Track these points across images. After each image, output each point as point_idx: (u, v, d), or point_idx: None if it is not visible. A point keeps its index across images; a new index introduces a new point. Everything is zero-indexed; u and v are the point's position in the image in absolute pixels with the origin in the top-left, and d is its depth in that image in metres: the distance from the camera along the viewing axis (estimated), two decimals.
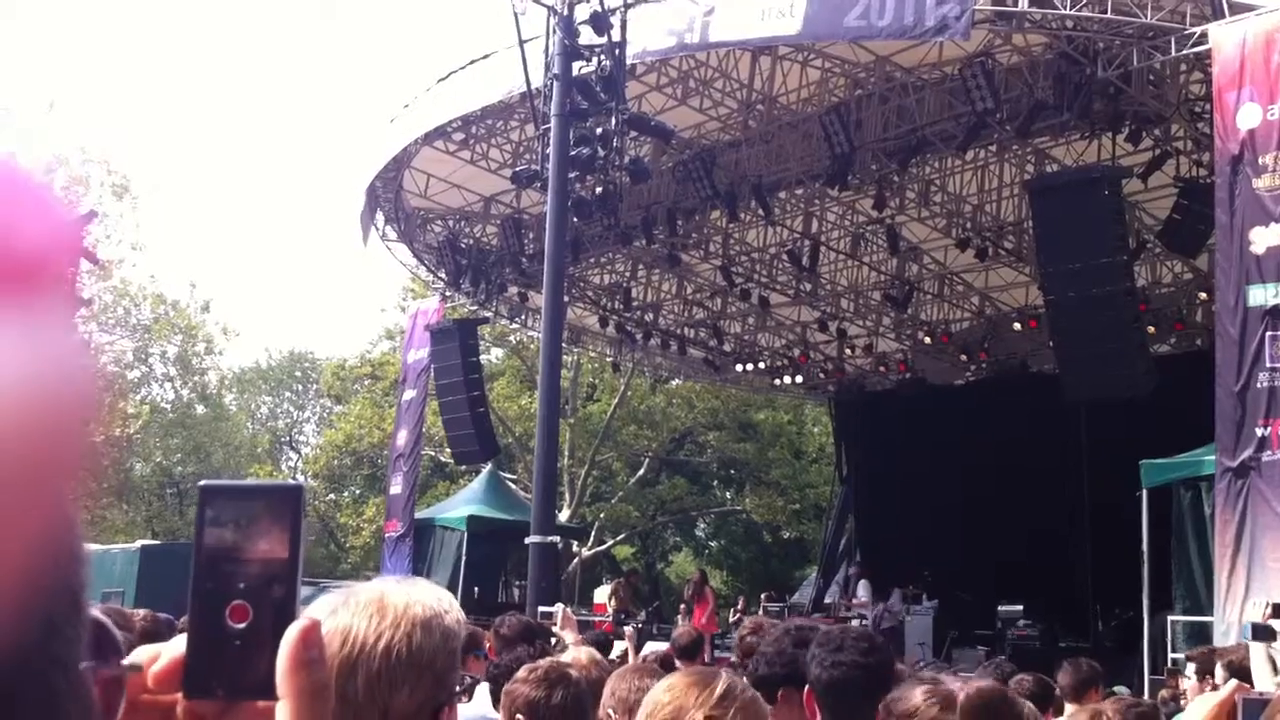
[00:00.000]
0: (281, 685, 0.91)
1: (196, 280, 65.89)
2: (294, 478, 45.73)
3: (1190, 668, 6.60)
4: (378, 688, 1.58)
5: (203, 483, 0.98)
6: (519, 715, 3.67)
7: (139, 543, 24.44)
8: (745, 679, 3.01)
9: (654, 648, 10.97)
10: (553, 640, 7.12)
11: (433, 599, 1.69)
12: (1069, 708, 6.11)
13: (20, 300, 0.57)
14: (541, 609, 9.80)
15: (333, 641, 1.57)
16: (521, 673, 3.80)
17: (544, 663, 3.96)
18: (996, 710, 2.54)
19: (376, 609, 1.62)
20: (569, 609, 7.26)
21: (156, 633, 6.15)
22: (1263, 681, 5.36)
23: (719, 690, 2.56)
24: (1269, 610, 5.61)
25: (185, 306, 40.74)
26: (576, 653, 4.81)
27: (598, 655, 4.97)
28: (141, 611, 6.25)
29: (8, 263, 0.59)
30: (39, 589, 0.65)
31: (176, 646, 0.92)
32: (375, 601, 1.63)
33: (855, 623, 18.02)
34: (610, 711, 3.80)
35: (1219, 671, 5.71)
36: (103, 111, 79.12)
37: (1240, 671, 5.37)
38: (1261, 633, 5.28)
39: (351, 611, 1.61)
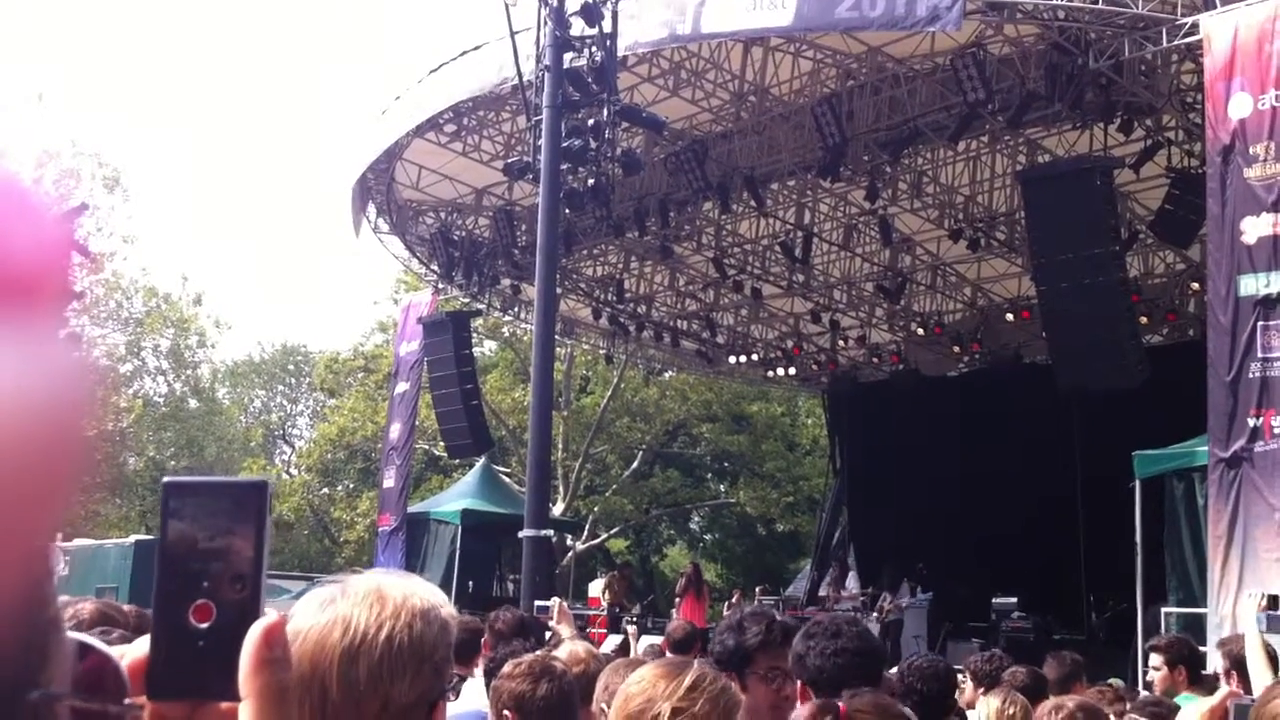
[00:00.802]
0: (244, 685, 0.89)
1: (188, 273, 65.88)
2: (287, 472, 45.80)
3: (1156, 659, 6.58)
4: (380, 677, 1.57)
5: (166, 479, 0.95)
6: (506, 710, 3.66)
7: (133, 538, 24.36)
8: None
9: (648, 641, 10.98)
10: (548, 635, 7.11)
11: (427, 591, 1.68)
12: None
13: (11, 313, 0.56)
14: (537, 603, 9.78)
15: (333, 631, 1.57)
16: (508, 667, 3.79)
17: (529, 657, 3.95)
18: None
19: (376, 599, 1.61)
20: (564, 603, 7.24)
21: (146, 629, 6.13)
22: (1259, 674, 5.35)
23: (687, 681, 2.55)
24: (1264, 601, 5.61)
25: (177, 300, 40.74)
26: (573, 646, 4.80)
27: (593, 649, 4.96)
28: (129, 607, 6.21)
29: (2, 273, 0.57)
30: (23, 608, 0.64)
31: (141, 647, 0.90)
32: (374, 592, 1.62)
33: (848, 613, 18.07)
34: (604, 706, 3.79)
35: (1220, 660, 5.71)
36: (93, 104, 78.93)
37: (1240, 662, 5.37)
38: (1277, 624, 5.31)
39: (351, 601, 1.60)
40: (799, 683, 3.57)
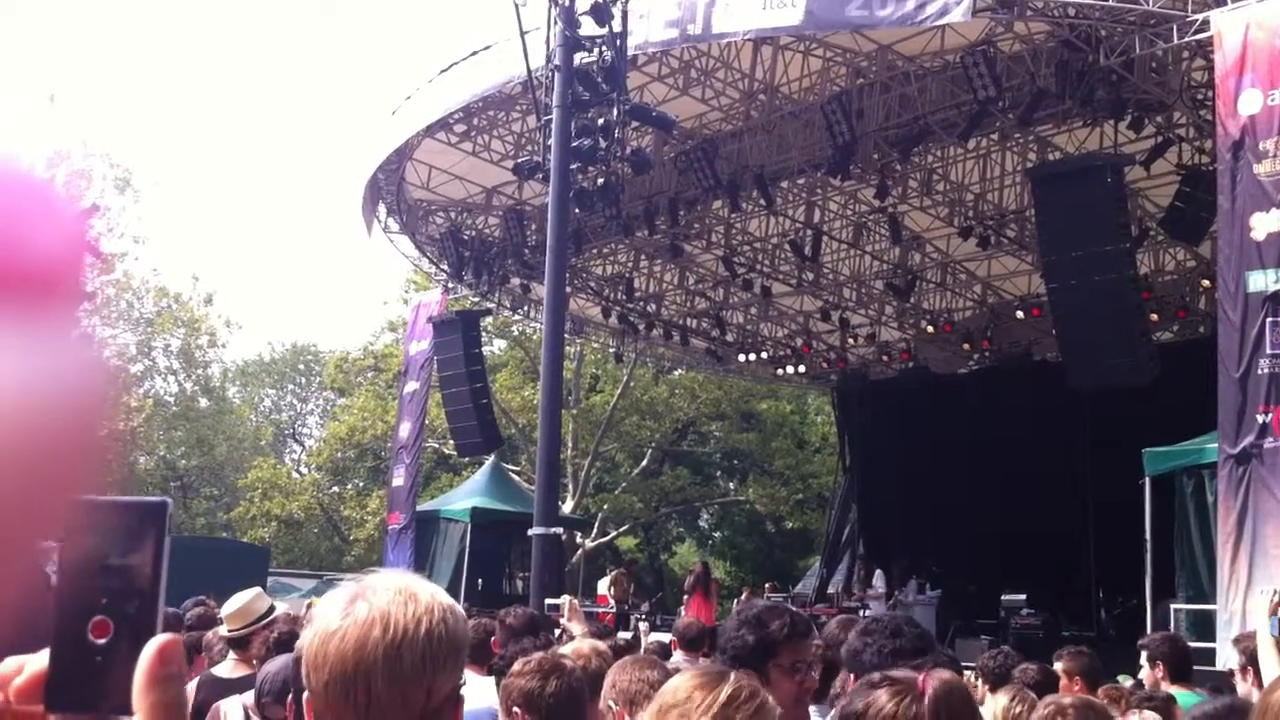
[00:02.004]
0: (136, 701, 0.91)
1: (199, 273, 66.05)
2: (297, 470, 45.88)
3: (1142, 656, 6.64)
4: (424, 670, 1.62)
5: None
6: (515, 708, 3.68)
7: None
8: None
9: (657, 638, 10.99)
10: (557, 632, 7.13)
11: (440, 591, 1.73)
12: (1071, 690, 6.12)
13: (30, 311, 0.57)
14: (549, 601, 9.81)
15: (373, 629, 1.61)
16: (517, 665, 3.81)
17: (539, 654, 3.97)
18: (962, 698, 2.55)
19: (410, 596, 1.66)
20: (575, 600, 7.26)
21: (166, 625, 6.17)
22: (1272, 671, 5.35)
23: (724, 695, 2.51)
24: (1276, 598, 5.59)
25: (188, 300, 40.81)
26: (579, 644, 4.81)
27: (601, 646, 4.98)
28: None
29: (20, 270, 0.59)
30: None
31: (40, 659, 0.92)
32: (404, 589, 1.67)
33: (862, 613, 18.09)
34: (611, 703, 3.81)
35: (1236, 657, 5.71)
36: (105, 105, 79.13)
37: (1254, 658, 5.38)
38: None
39: (384, 600, 1.64)
40: (851, 677, 3.57)
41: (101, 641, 0.92)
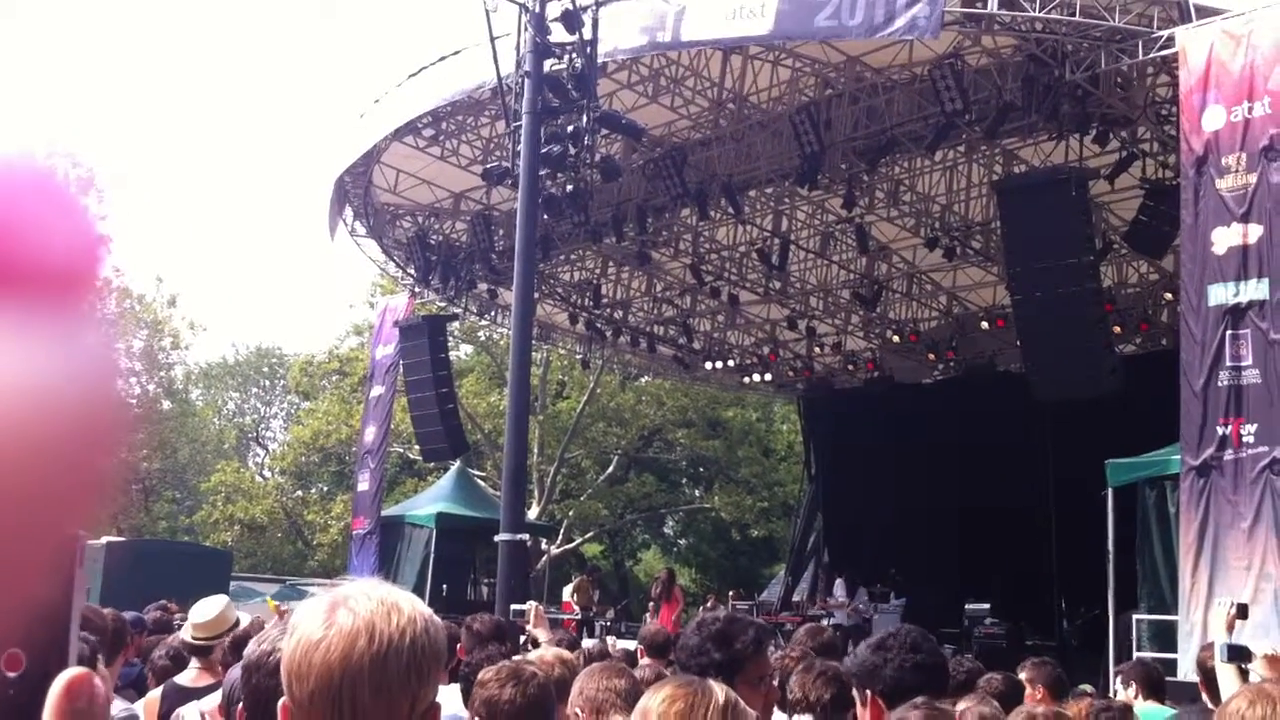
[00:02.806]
0: None
1: (163, 274, 65.57)
2: (261, 474, 45.59)
3: (1118, 680, 6.79)
4: (409, 680, 1.63)
5: None
6: (478, 716, 3.68)
7: (104, 539, 24.20)
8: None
9: (623, 646, 10.97)
10: (522, 639, 7.12)
11: (419, 600, 1.74)
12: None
13: (52, 306, 0.57)
14: (514, 607, 9.77)
15: (359, 639, 1.61)
16: (487, 673, 3.81)
17: (507, 662, 3.96)
18: None
19: (391, 606, 1.66)
20: (540, 607, 7.25)
21: (121, 633, 6.10)
22: (1229, 687, 5.37)
23: (717, 703, 2.50)
24: (1234, 610, 5.62)
25: (151, 301, 40.51)
26: (543, 651, 4.81)
27: (565, 654, 4.97)
28: (105, 611, 6.19)
29: (43, 264, 0.59)
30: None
31: None
32: (386, 599, 1.67)
33: (826, 621, 18.15)
34: (578, 711, 3.81)
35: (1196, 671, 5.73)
36: (68, 104, 78.43)
37: (1209, 674, 5.35)
38: (1236, 654, 5.27)
39: (368, 609, 1.64)
40: (869, 692, 3.54)
41: (13, 675, 0.91)
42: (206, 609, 6.32)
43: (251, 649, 2.32)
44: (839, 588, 21.87)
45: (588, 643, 9.40)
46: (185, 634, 6.44)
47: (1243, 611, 5.93)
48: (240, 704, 1.70)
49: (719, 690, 2.54)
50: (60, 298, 0.60)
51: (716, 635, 3.58)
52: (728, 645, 3.55)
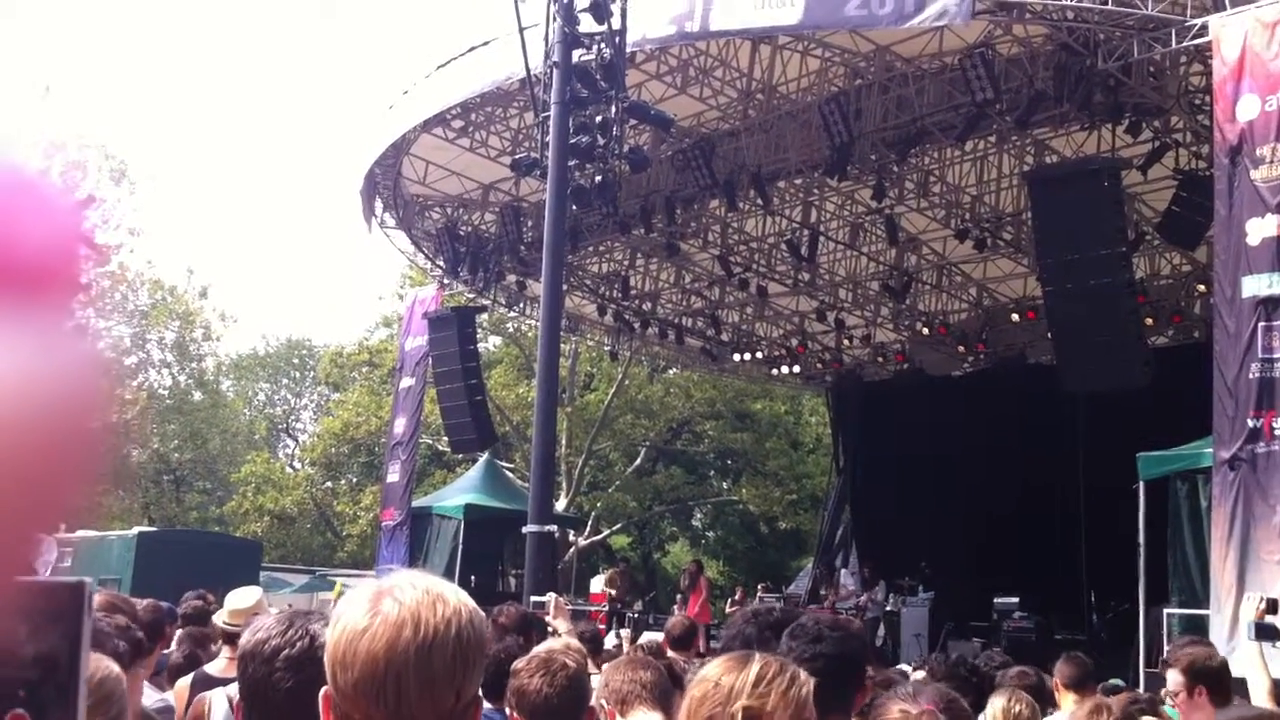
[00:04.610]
0: None
1: (194, 266, 66.03)
2: (291, 465, 45.84)
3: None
4: (454, 671, 1.63)
5: None
6: (508, 705, 3.68)
7: (135, 529, 24.41)
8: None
9: (650, 637, 10.98)
10: (548, 630, 7.12)
11: (462, 591, 1.74)
12: (1069, 697, 6.11)
13: (22, 303, 0.56)
14: (534, 598, 9.79)
15: (404, 629, 1.61)
16: (519, 663, 3.80)
17: (540, 651, 3.95)
18: None
19: (436, 597, 1.66)
20: (561, 598, 7.25)
21: (159, 622, 6.15)
22: (1257, 686, 5.29)
23: (752, 673, 2.43)
24: (1264, 605, 5.54)
25: (183, 292, 40.80)
26: (551, 642, 4.76)
27: (574, 644, 4.96)
28: (145, 601, 6.26)
29: (13, 263, 0.58)
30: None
31: None
32: (431, 590, 1.67)
33: (847, 612, 18.13)
34: (603, 702, 3.80)
35: (1175, 677, 5.39)
36: (100, 96, 79.01)
37: (1203, 674, 5.15)
38: (1264, 632, 5.17)
39: (414, 599, 1.65)
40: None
41: None
42: (244, 596, 6.42)
43: (246, 639, 2.32)
44: (848, 578, 21.88)
45: (611, 640, 9.41)
46: (219, 619, 6.52)
47: (1272, 606, 5.86)
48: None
49: (756, 665, 2.46)
50: (30, 296, 0.59)
51: (775, 625, 3.48)
52: (777, 631, 3.46)
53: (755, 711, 2.35)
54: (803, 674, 2.46)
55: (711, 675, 2.46)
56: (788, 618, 3.50)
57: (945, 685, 3.60)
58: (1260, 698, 5.35)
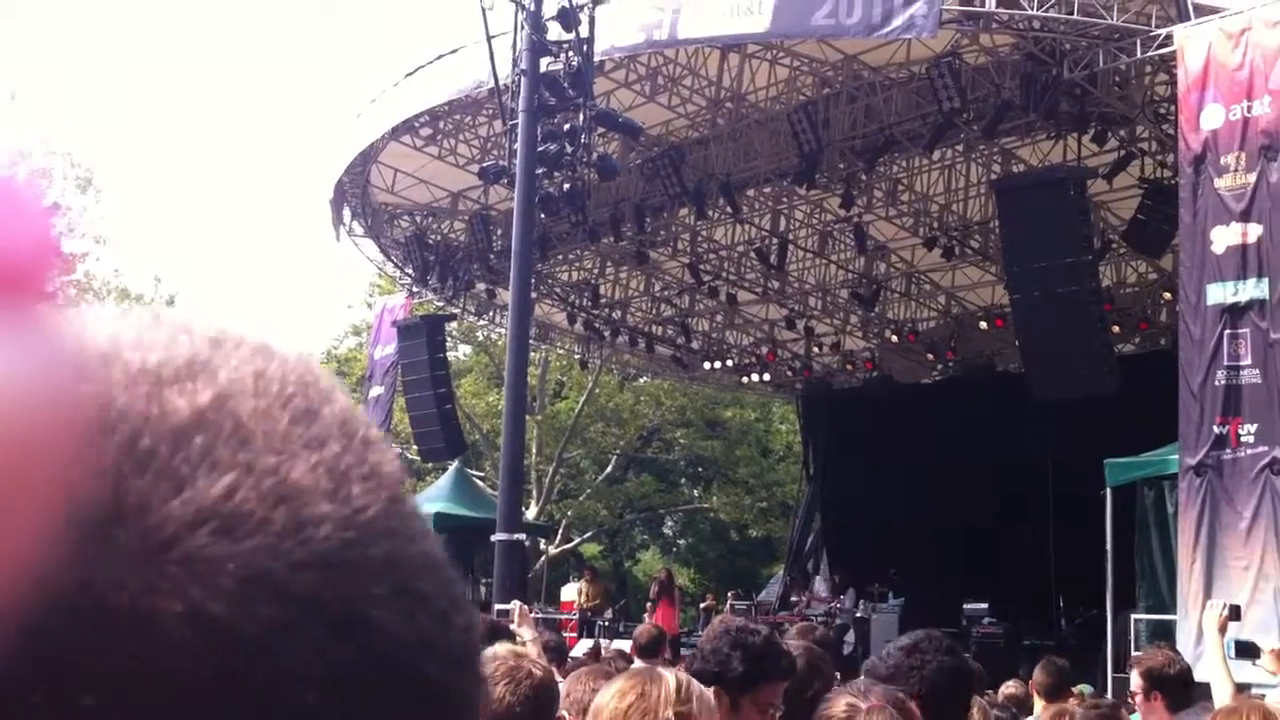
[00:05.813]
0: None
1: (161, 274, 65.45)
2: None
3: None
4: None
5: None
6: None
7: None
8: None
9: (618, 646, 10.96)
10: (516, 639, 7.09)
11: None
12: (1039, 705, 6.12)
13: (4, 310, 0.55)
14: (498, 606, 9.76)
15: None
16: (484, 669, 3.76)
17: (508, 659, 3.91)
18: None
19: None
20: (524, 606, 7.22)
21: None
22: (1221, 693, 5.28)
23: (672, 686, 2.45)
24: (1226, 612, 5.56)
25: (150, 301, 40.48)
26: (498, 648, 4.69)
27: (522, 651, 4.91)
28: None
29: None
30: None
31: None
32: None
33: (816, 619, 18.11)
34: (565, 713, 3.77)
35: (1135, 679, 5.39)
36: (66, 103, 78.42)
37: (1160, 680, 5.15)
38: (1244, 650, 5.19)
39: None
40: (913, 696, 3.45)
41: None
42: None
43: None
44: (821, 585, 21.90)
45: (580, 648, 9.39)
46: None
47: (1234, 613, 5.88)
48: None
49: (669, 675, 2.50)
50: (4, 303, 0.57)
51: (750, 648, 3.42)
52: (758, 662, 3.41)
53: (685, 714, 2.39)
54: (708, 693, 2.54)
55: (615, 692, 2.48)
56: (770, 650, 3.50)
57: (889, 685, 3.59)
58: (1223, 704, 5.36)
